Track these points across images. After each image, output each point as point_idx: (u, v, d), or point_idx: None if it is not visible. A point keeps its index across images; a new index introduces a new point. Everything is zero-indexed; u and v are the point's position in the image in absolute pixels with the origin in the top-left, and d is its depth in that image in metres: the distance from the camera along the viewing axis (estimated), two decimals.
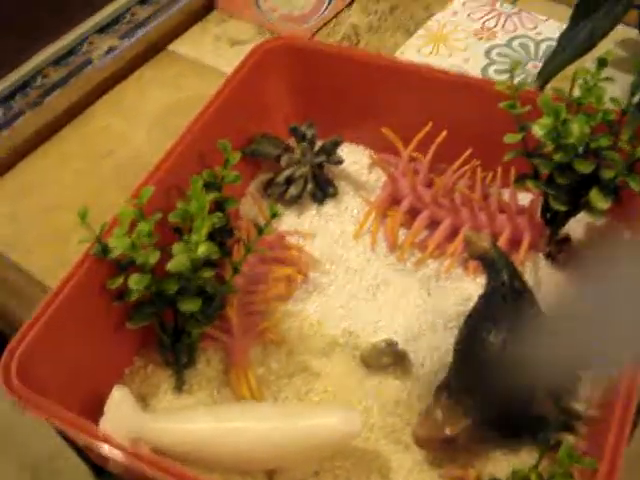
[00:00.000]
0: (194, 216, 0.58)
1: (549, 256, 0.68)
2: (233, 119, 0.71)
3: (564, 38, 0.68)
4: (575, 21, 0.68)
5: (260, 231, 0.61)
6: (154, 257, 0.57)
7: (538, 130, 0.56)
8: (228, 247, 0.67)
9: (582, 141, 0.57)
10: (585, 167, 0.57)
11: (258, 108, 0.75)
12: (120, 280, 0.58)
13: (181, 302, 0.58)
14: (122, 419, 0.55)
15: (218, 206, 0.65)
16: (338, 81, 0.74)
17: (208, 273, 0.58)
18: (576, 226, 0.69)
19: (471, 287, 0.67)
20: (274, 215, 0.61)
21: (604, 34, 0.65)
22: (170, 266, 0.57)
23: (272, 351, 0.64)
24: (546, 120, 0.55)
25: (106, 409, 0.56)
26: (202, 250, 0.57)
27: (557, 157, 0.57)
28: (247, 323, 0.64)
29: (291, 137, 0.74)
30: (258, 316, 0.65)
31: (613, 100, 0.59)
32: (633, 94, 0.58)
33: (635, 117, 0.58)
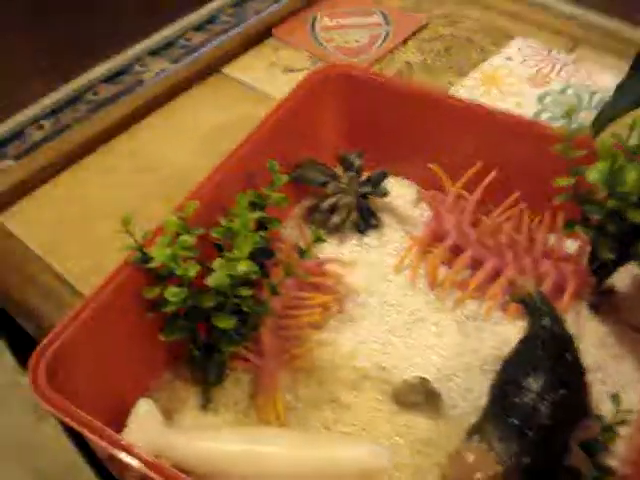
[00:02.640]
0: (237, 233, 0.58)
1: (593, 306, 0.66)
2: (282, 142, 0.71)
3: (623, 86, 0.67)
4: (635, 69, 0.67)
5: (301, 254, 0.60)
6: (194, 270, 0.57)
7: (593, 175, 0.55)
8: (267, 268, 0.66)
9: (637, 190, 0.55)
10: (638, 216, 0.55)
11: (308, 134, 0.74)
12: (157, 290, 0.57)
13: (216, 318, 0.57)
14: (146, 432, 0.55)
15: (261, 226, 0.65)
16: (390, 113, 0.74)
17: (246, 291, 0.57)
18: (623, 277, 0.67)
19: (509, 331, 0.65)
20: (317, 239, 0.60)
21: None
22: (210, 281, 0.56)
23: (302, 378, 0.63)
24: (602, 165, 0.54)
25: (130, 420, 0.55)
26: (243, 268, 0.56)
27: (610, 204, 0.55)
28: (279, 347, 0.63)
29: (338, 166, 0.74)
30: (291, 341, 0.64)
31: None
32: None
33: None
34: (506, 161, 0.68)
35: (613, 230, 0.57)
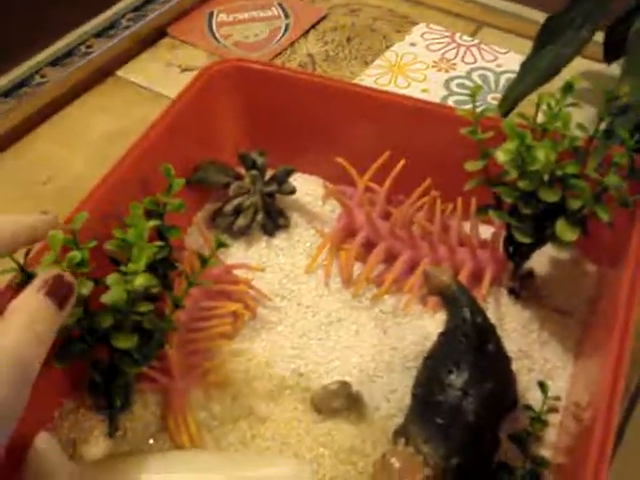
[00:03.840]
0: (132, 245, 0.54)
1: (513, 292, 0.64)
2: (178, 144, 0.67)
3: (527, 64, 0.66)
4: (538, 47, 0.65)
5: (204, 262, 0.56)
6: (86, 288, 0.52)
7: (502, 156, 0.52)
8: (170, 280, 0.62)
9: (548, 168, 0.53)
10: (551, 196, 0.53)
11: (206, 133, 0.70)
12: None
13: (115, 338, 0.53)
14: (47, 472, 0.50)
15: (160, 236, 0.61)
16: (291, 106, 0.70)
17: (146, 307, 0.52)
18: (541, 260, 0.65)
19: (430, 324, 0.63)
20: (220, 246, 0.56)
21: (568, 60, 0.62)
22: (105, 298, 0.51)
23: (215, 394, 0.58)
24: (510, 145, 0.52)
25: (28, 461, 0.50)
26: (140, 282, 0.52)
27: (522, 185, 0.53)
28: (188, 363, 0.59)
29: (240, 166, 0.70)
30: (200, 355, 0.60)
31: (580, 127, 0.56)
32: (601, 120, 0.55)
33: (603, 144, 0.55)
34: (414, 149, 0.66)
35: (527, 212, 0.55)
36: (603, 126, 0.56)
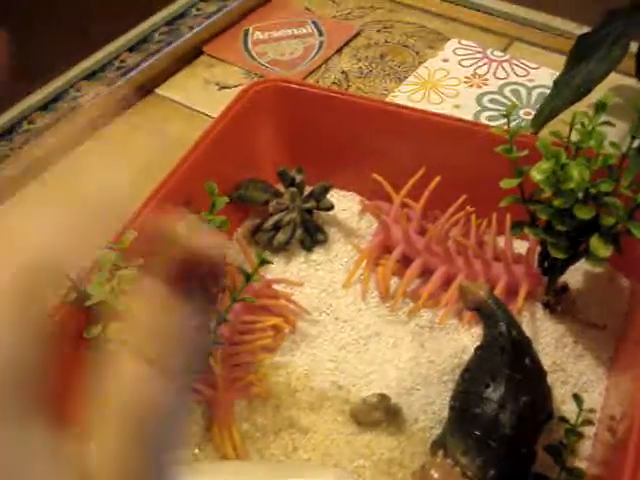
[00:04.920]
0: None
1: (547, 306, 0.65)
2: (220, 163, 0.69)
3: (560, 82, 0.67)
4: (571, 65, 0.67)
5: (247, 278, 0.58)
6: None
7: (536, 175, 0.54)
8: (214, 295, 0.63)
9: (582, 186, 0.54)
10: (585, 213, 0.54)
11: (246, 152, 0.72)
12: (99, 328, 0.54)
13: None
14: None
15: None
16: (328, 125, 0.72)
17: None
18: (575, 275, 0.67)
19: (466, 338, 0.64)
20: (262, 263, 0.58)
21: (601, 78, 0.64)
22: None
23: (258, 406, 0.60)
24: (545, 164, 0.53)
25: None
26: None
27: (556, 203, 0.54)
28: (232, 375, 0.61)
29: (280, 183, 0.72)
30: (243, 368, 0.62)
31: (613, 144, 0.57)
32: (634, 138, 0.56)
33: (636, 162, 0.56)
34: (449, 165, 0.67)
35: (562, 229, 0.56)
36: (636, 143, 0.57)
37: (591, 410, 0.58)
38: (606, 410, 0.59)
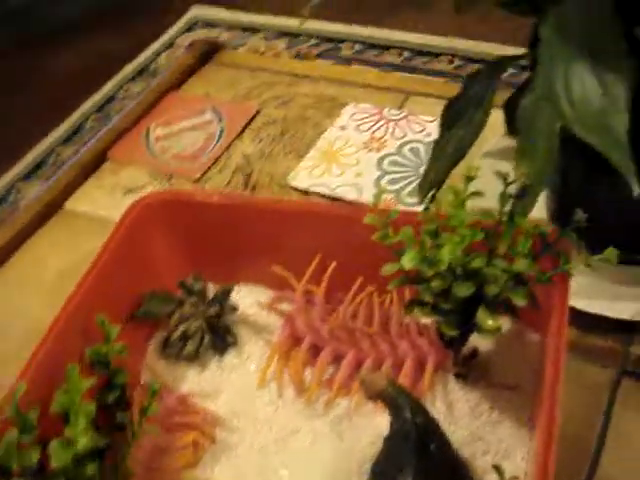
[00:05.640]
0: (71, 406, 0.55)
1: (459, 376, 0.65)
2: (118, 282, 0.69)
3: (436, 150, 0.67)
4: (443, 132, 0.67)
5: (144, 412, 0.57)
6: (34, 457, 0.53)
7: (407, 263, 0.54)
8: (126, 422, 0.63)
9: (457, 264, 0.55)
10: (464, 290, 0.54)
11: (145, 265, 0.72)
12: None
13: None
14: None
15: (109, 381, 0.62)
16: (222, 227, 0.72)
17: (91, 468, 0.54)
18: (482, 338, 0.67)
19: (383, 422, 0.63)
20: (153, 394, 0.58)
21: (470, 143, 0.64)
22: (52, 463, 0.53)
23: None
24: (411, 253, 0.54)
25: None
26: (83, 444, 0.53)
27: (434, 285, 0.55)
28: None
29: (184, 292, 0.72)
30: None
31: (486, 214, 0.57)
32: (502, 206, 0.57)
33: (508, 230, 0.56)
34: (343, 249, 0.67)
35: (448, 307, 0.56)
36: (506, 209, 0.57)
37: (515, 478, 0.58)
38: (530, 475, 0.59)
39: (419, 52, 1.09)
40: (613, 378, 0.67)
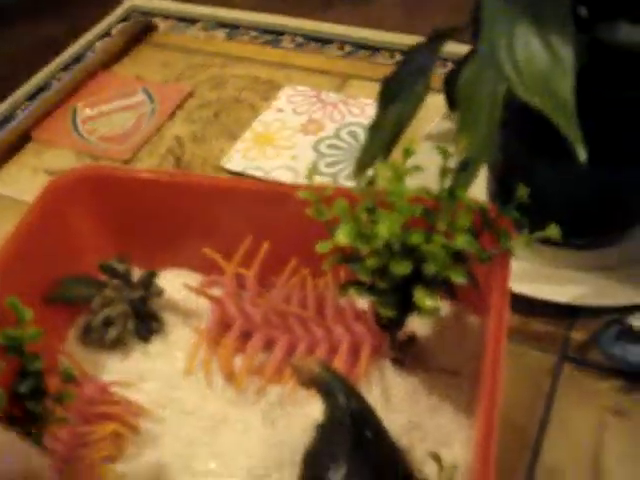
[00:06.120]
0: None
1: (396, 361, 0.62)
2: (34, 262, 0.64)
3: (373, 128, 0.64)
4: (381, 108, 0.64)
5: (60, 400, 0.53)
6: None
7: (342, 238, 0.51)
8: (42, 412, 0.59)
9: (395, 240, 0.52)
10: (402, 268, 0.52)
11: (65, 246, 0.67)
12: None
13: None
14: None
15: (23, 368, 0.58)
16: (149, 206, 0.68)
17: None
18: (421, 322, 0.64)
19: (318, 409, 0.60)
20: (68, 379, 0.54)
21: (409, 118, 0.61)
22: None
23: None
24: (347, 227, 0.51)
25: None
26: None
27: (370, 263, 0.52)
28: None
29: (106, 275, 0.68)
30: None
31: (424, 190, 0.55)
32: (442, 181, 0.54)
33: (448, 205, 0.54)
34: (275, 230, 0.64)
35: (384, 286, 0.54)
36: (446, 185, 0.55)
37: (453, 466, 0.55)
38: (469, 461, 0.56)
39: (360, 46, 1.06)
40: (554, 363, 0.65)
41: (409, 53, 0.64)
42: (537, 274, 0.70)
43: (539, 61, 0.45)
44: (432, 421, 0.59)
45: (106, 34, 1.15)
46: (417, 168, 0.55)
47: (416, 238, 0.51)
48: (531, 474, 0.59)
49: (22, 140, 0.95)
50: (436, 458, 0.54)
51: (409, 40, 0.98)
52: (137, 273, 0.69)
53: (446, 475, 0.54)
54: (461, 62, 0.62)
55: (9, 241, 0.63)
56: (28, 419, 0.57)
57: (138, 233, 0.69)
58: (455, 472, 0.55)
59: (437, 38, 0.63)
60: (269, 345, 0.64)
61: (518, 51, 0.46)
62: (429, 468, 0.56)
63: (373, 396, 0.60)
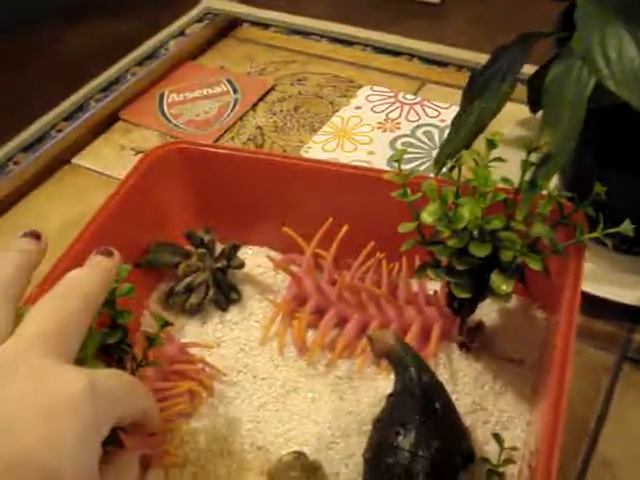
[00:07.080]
0: None
1: (463, 345, 0.65)
2: (125, 229, 0.68)
3: (457, 122, 0.67)
4: (466, 103, 0.67)
5: (150, 343, 0.57)
6: None
7: (427, 217, 0.54)
8: (125, 364, 0.62)
9: (475, 224, 0.54)
10: (481, 251, 0.54)
11: (153, 215, 0.72)
12: None
13: None
14: None
15: (112, 321, 0.62)
16: (234, 183, 0.72)
17: None
18: (488, 311, 0.66)
19: (385, 385, 0.63)
20: (164, 325, 0.57)
21: (493, 114, 0.64)
22: None
23: (174, 476, 0.59)
24: (433, 206, 0.53)
25: None
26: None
27: (451, 243, 0.54)
28: (146, 445, 0.59)
29: (190, 244, 0.71)
30: (159, 437, 0.60)
31: (505, 180, 0.57)
32: (524, 172, 0.57)
33: (528, 195, 0.56)
34: (356, 213, 0.67)
35: (462, 268, 0.56)
36: (527, 177, 0.57)
37: (513, 448, 0.57)
38: (528, 446, 0.59)
39: (428, 60, 1.08)
40: (614, 362, 0.67)
41: (498, 52, 0.66)
42: (602, 276, 0.72)
43: (629, 58, 0.48)
44: (495, 405, 0.62)
45: (180, 33, 1.20)
46: (499, 159, 0.58)
47: (497, 223, 0.54)
48: (586, 463, 0.60)
49: (110, 119, 0.99)
50: (498, 439, 0.57)
51: (477, 58, 1.01)
52: (218, 247, 0.72)
53: (505, 456, 0.57)
54: (546, 65, 0.65)
55: (105, 208, 0.67)
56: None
57: (222, 208, 0.73)
58: (515, 453, 0.57)
59: (527, 38, 0.65)
60: (341, 323, 0.67)
61: (610, 48, 0.49)
62: (490, 447, 0.59)
63: (440, 376, 0.62)
